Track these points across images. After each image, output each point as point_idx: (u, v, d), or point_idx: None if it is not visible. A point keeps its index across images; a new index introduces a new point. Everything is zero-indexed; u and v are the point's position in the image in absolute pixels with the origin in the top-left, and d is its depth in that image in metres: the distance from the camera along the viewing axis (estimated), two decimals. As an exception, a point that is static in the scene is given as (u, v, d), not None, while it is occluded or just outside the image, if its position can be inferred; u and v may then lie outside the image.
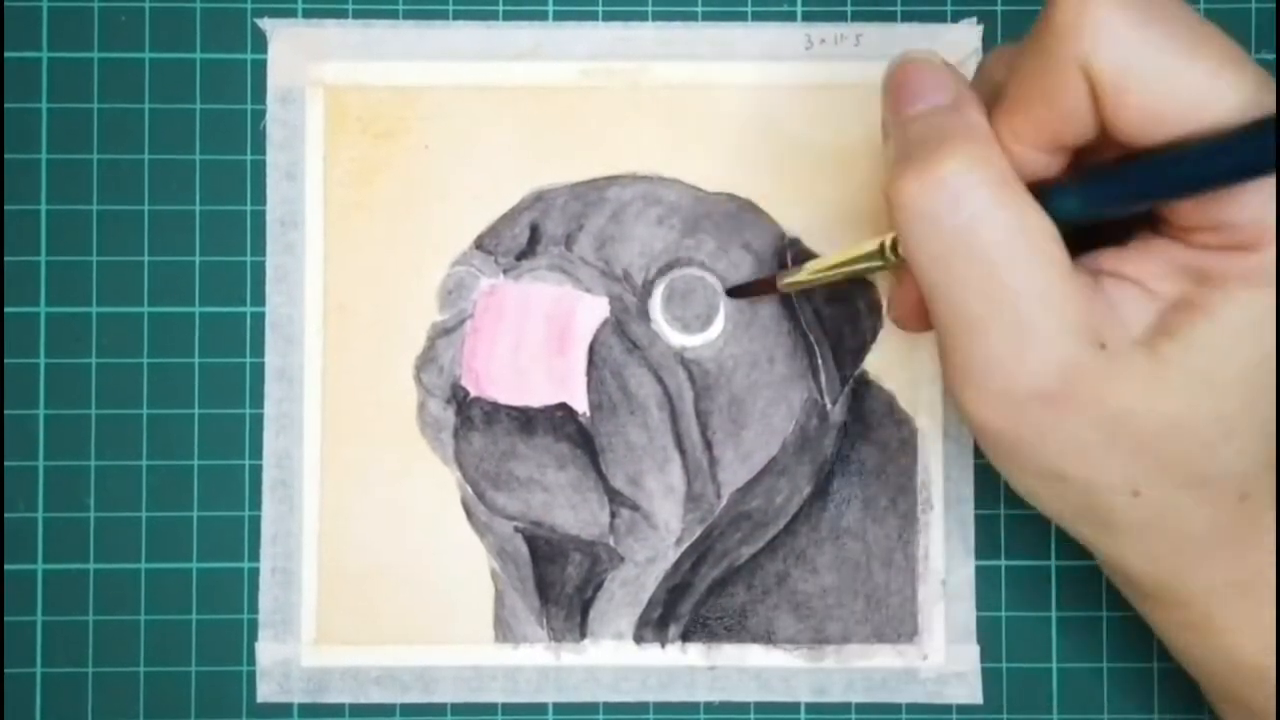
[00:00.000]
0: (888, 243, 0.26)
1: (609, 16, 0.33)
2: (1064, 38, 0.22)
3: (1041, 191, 0.23)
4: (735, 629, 0.32)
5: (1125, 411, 0.23)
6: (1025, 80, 0.23)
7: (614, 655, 0.32)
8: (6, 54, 0.33)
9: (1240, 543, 0.25)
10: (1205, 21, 0.22)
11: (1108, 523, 0.25)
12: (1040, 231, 0.22)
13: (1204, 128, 0.21)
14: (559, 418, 0.32)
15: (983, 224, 0.22)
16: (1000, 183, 0.23)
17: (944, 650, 0.32)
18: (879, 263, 0.27)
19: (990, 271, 0.22)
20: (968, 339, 0.23)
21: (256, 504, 0.33)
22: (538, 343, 0.32)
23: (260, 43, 0.33)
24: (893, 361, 0.33)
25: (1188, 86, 0.21)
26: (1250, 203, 0.22)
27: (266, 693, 0.32)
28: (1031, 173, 0.23)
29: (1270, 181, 0.21)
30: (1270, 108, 0.21)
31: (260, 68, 0.33)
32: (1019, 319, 0.22)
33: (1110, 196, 0.23)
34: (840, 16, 0.33)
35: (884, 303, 0.29)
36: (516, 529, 0.32)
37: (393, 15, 0.33)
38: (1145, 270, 0.23)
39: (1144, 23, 0.21)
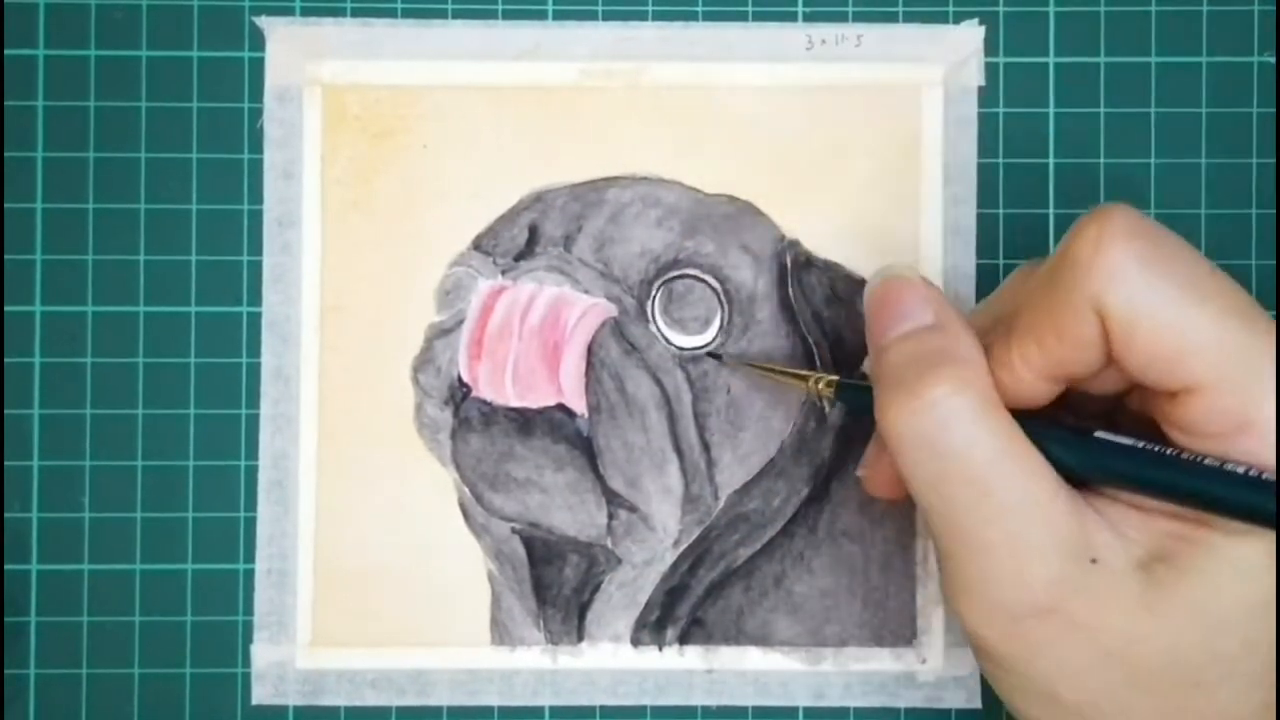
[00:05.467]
0: (815, 385, 0.29)
1: (609, 16, 0.33)
2: (1078, 276, 0.22)
3: (1040, 432, 0.24)
4: (732, 631, 0.32)
5: (1117, 633, 0.23)
6: (1039, 311, 0.23)
7: (611, 658, 0.32)
8: (3, 51, 0.33)
9: None
10: (1214, 268, 0.22)
11: None
12: (1027, 452, 0.23)
13: (1208, 374, 0.22)
14: (557, 419, 0.32)
15: (972, 447, 0.23)
16: (987, 406, 0.23)
17: (943, 654, 0.32)
18: (805, 389, 0.30)
19: (982, 492, 0.23)
20: (965, 555, 0.23)
21: (252, 505, 0.32)
22: (536, 344, 0.32)
23: (258, 41, 0.33)
24: (892, 364, 0.33)
25: (1193, 331, 0.22)
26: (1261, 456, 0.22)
27: (261, 695, 0.32)
28: (1030, 395, 0.24)
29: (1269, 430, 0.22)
30: (1269, 360, 0.22)
31: (258, 66, 0.33)
32: (1011, 537, 0.23)
33: (1106, 471, 0.24)
34: (841, 17, 0.33)
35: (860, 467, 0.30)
36: (514, 530, 0.32)
37: (391, 14, 0.33)
38: (1146, 499, 0.23)
39: (1155, 266, 0.22)
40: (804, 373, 0.30)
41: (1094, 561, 0.23)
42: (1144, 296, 0.22)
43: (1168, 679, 0.23)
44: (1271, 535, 0.22)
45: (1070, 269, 0.22)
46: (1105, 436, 0.24)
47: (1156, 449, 0.23)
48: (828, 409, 0.31)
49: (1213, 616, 0.22)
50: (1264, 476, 0.22)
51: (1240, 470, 0.22)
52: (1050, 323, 0.23)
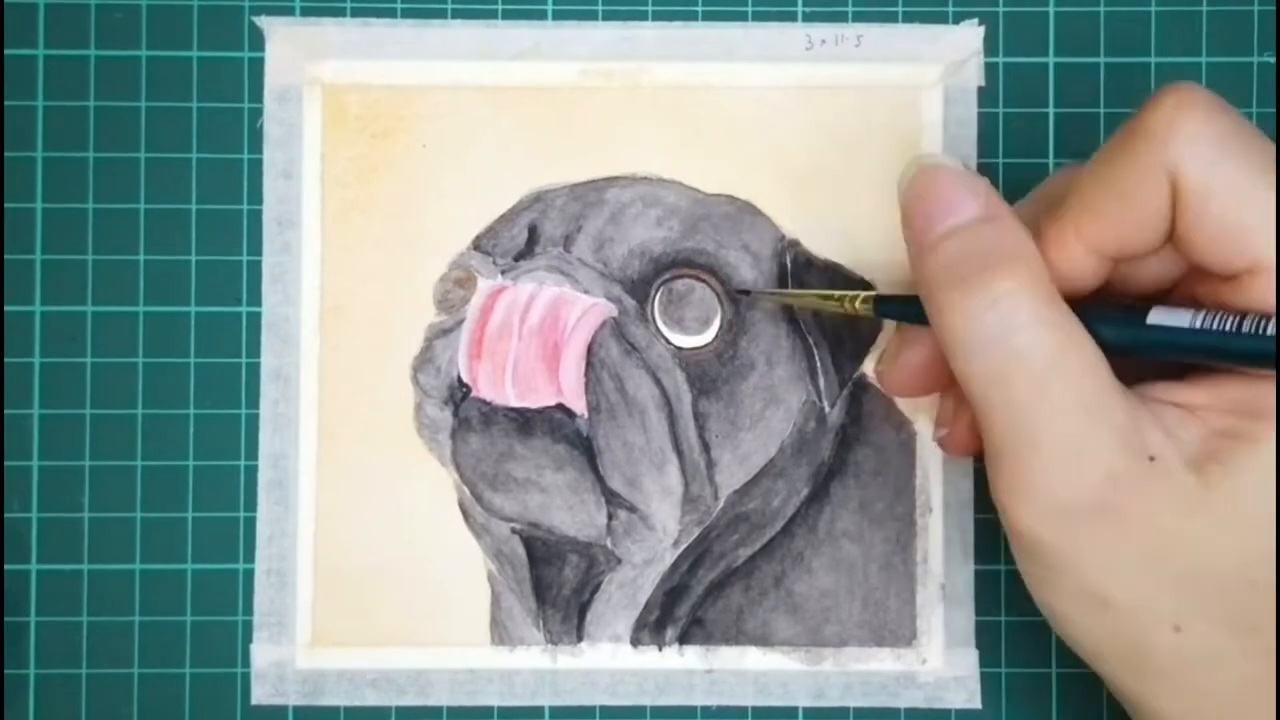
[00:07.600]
0: (850, 304, 0.29)
1: (609, 16, 0.33)
2: (1154, 143, 0.22)
3: (1087, 312, 0.23)
4: (732, 631, 0.32)
5: (1171, 532, 0.22)
6: (1103, 181, 0.23)
7: (611, 658, 0.32)
8: (3, 51, 0.33)
9: None
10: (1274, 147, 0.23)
11: (1146, 663, 0.24)
12: (1087, 348, 0.23)
13: (1272, 253, 0.22)
14: (557, 419, 0.32)
15: (1035, 345, 0.23)
16: (1047, 300, 0.23)
17: (943, 654, 0.32)
18: (842, 311, 0.29)
19: (1042, 391, 0.23)
20: (1021, 453, 0.23)
21: (252, 505, 0.32)
22: (535, 344, 0.32)
23: (258, 41, 0.33)
24: (892, 364, 0.32)
25: (1265, 208, 0.22)
26: None
27: (261, 695, 0.32)
28: (1080, 276, 0.24)
29: None
30: None
31: (258, 66, 0.33)
32: (1070, 434, 0.23)
33: (1150, 344, 0.24)
34: (841, 17, 0.33)
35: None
36: (514, 530, 0.32)
37: (391, 14, 0.33)
38: (1196, 399, 0.23)
39: (1233, 140, 0.22)
40: (834, 293, 0.29)
41: (1151, 459, 0.23)
42: (1222, 167, 0.22)
43: (1220, 579, 0.23)
44: None
45: (1144, 137, 0.22)
46: (1162, 310, 0.23)
47: (1217, 316, 0.23)
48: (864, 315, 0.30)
49: (1263, 517, 0.22)
50: None
51: None
52: (1115, 191, 0.23)
